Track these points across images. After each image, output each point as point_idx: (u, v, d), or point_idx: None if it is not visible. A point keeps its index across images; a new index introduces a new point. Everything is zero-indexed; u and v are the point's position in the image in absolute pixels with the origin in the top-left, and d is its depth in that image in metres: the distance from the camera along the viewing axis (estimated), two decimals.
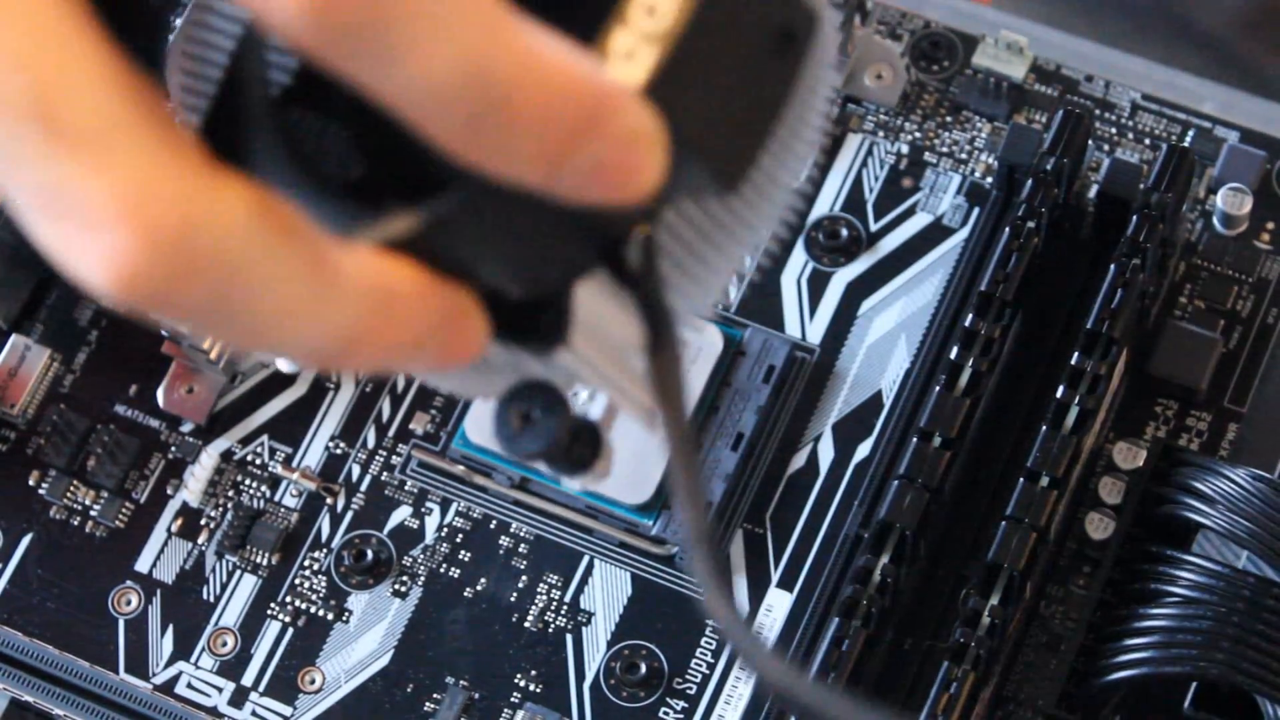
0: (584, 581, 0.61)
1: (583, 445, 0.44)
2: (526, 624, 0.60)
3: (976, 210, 0.63)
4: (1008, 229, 0.59)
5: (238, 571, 0.62)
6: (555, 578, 0.61)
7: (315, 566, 0.61)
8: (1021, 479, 0.56)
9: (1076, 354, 0.57)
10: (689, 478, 0.39)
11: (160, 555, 0.62)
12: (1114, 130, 0.64)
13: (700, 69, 0.38)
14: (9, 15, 0.32)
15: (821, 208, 0.64)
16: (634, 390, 0.44)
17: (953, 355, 0.57)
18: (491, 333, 0.38)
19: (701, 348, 0.61)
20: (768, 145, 0.41)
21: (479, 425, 0.61)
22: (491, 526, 0.61)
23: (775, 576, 0.60)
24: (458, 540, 0.61)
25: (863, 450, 0.61)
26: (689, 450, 0.39)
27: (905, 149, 0.64)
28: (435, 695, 0.60)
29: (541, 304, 0.39)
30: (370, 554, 0.61)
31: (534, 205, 0.37)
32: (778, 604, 0.59)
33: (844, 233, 0.63)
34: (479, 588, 0.61)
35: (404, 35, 0.33)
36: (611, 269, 0.40)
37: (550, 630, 0.60)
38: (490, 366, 0.40)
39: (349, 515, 0.62)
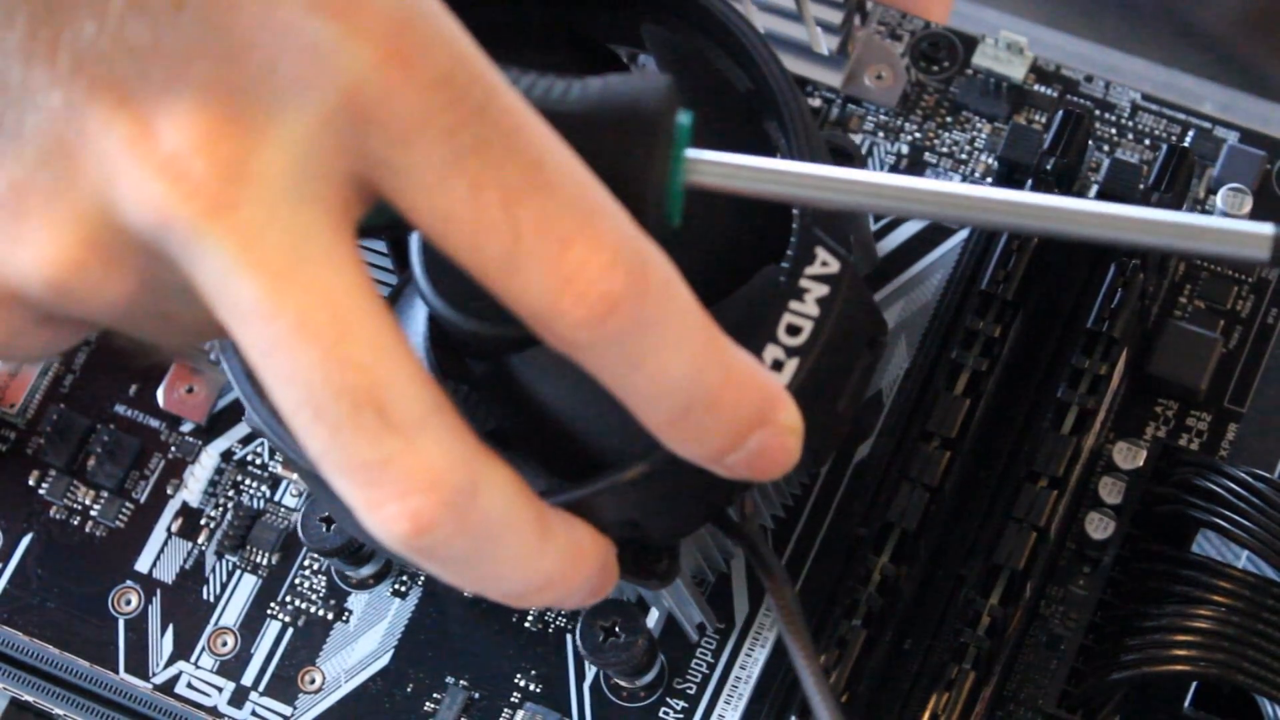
0: None
1: (647, 656, 0.56)
2: (526, 624, 0.60)
3: None
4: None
5: (238, 571, 0.62)
6: None
7: (315, 566, 0.61)
8: (1022, 479, 0.56)
9: (1076, 354, 0.57)
10: (821, 691, 0.49)
11: (160, 555, 0.62)
12: (1114, 131, 0.64)
13: (821, 374, 0.49)
14: (352, 327, 0.40)
15: None
16: (693, 613, 0.57)
17: (953, 355, 0.57)
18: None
19: None
20: (847, 426, 0.52)
21: None
22: None
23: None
24: None
25: (862, 450, 0.61)
26: (815, 664, 0.49)
27: (905, 149, 0.64)
28: (435, 695, 0.60)
29: (659, 550, 0.50)
30: (370, 554, 0.61)
31: (682, 479, 0.47)
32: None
33: None
34: None
35: (650, 347, 0.42)
36: (718, 523, 0.52)
37: (550, 630, 0.60)
38: None
39: None
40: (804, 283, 0.49)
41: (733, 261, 0.52)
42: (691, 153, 0.44)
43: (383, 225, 0.43)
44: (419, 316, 0.52)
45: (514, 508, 0.43)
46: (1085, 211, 0.44)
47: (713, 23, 0.53)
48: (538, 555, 0.44)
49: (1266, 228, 0.44)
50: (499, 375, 0.51)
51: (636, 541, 0.50)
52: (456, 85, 0.41)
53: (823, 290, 0.49)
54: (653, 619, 0.59)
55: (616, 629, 0.55)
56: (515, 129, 0.41)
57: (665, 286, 0.42)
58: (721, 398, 0.43)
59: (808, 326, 0.49)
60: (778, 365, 0.48)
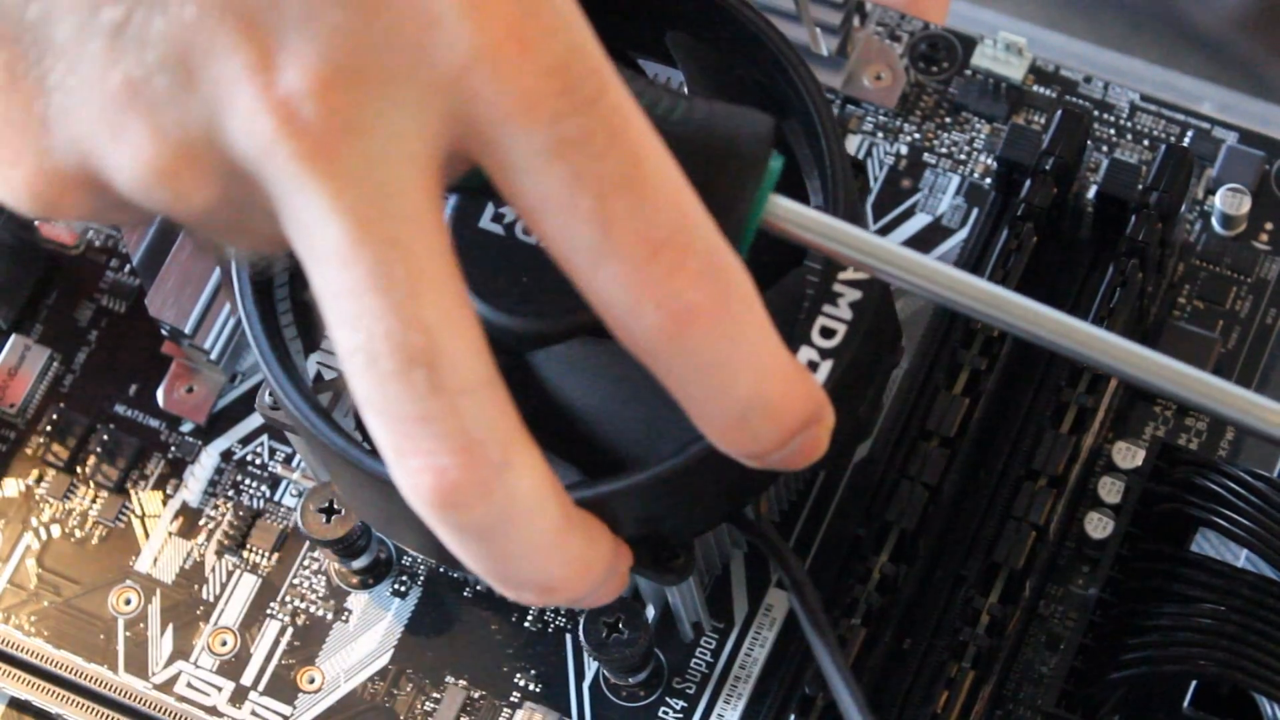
0: None
1: (647, 654, 0.57)
2: (526, 623, 0.60)
3: (975, 211, 0.63)
4: (1006, 229, 0.59)
5: (237, 571, 0.62)
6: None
7: (315, 566, 0.61)
8: (1021, 478, 0.56)
9: None
10: (849, 687, 0.50)
11: (160, 555, 0.62)
12: (1113, 131, 0.64)
13: (849, 377, 0.50)
14: (423, 287, 0.41)
15: None
16: (693, 613, 0.58)
17: (952, 354, 0.57)
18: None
19: None
20: (866, 433, 0.54)
21: None
22: None
23: (775, 576, 0.60)
24: None
25: (862, 450, 0.61)
26: (838, 652, 0.51)
27: (904, 150, 0.64)
28: (435, 695, 0.60)
29: (676, 547, 0.51)
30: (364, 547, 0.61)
31: (710, 476, 0.49)
32: (777, 604, 0.60)
33: None
34: (479, 587, 0.61)
35: (722, 360, 0.43)
36: (735, 521, 0.53)
37: (550, 629, 0.60)
38: None
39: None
40: (838, 287, 0.50)
41: (760, 261, 0.53)
42: (776, 198, 0.46)
43: (473, 187, 0.44)
44: None
45: (540, 496, 0.43)
46: (1111, 343, 0.47)
47: (738, 30, 0.54)
48: (554, 549, 0.44)
49: None
50: (519, 370, 0.52)
51: (654, 538, 0.51)
52: (571, 75, 0.42)
53: (855, 295, 0.50)
54: (647, 616, 0.59)
55: (620, 625, 0.55)
56: (623, 126, 0.42)
57: (745, 303, 0.43)
58: (780, 406, 0.44)
59: (841, 330, 0.50)
60: (813, 366, 0.50)
